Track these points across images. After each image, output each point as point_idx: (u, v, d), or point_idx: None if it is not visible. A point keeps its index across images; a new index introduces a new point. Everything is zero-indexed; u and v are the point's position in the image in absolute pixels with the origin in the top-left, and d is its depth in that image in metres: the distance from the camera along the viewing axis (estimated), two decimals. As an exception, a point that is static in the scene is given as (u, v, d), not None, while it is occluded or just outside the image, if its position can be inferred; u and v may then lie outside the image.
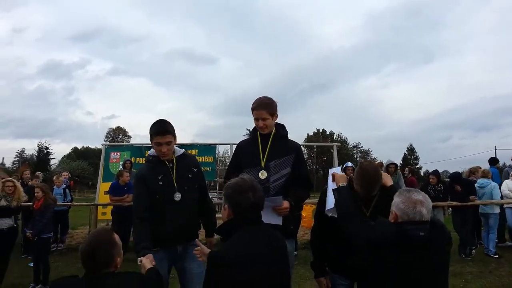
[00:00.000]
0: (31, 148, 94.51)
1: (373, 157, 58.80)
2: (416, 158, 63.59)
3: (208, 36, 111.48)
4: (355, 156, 58.57)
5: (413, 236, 1.96)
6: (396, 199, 2.07)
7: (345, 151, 58.03)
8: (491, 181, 7.36)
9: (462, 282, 5.90)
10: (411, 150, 64.44)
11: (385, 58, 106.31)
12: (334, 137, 60.96)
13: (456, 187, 7.22)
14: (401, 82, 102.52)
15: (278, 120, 2.99)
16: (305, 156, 52.05)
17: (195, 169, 2.95)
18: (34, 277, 5.81)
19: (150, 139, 2.79)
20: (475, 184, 7.44)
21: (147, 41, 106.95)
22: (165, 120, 2.81)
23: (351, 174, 2.71)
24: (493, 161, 8.83)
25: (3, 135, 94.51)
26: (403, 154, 63.12)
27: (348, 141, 63.43)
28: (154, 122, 2.79)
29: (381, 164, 9.07)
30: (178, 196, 2.75)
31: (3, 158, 62.07)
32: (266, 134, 2.92)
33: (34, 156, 57.60)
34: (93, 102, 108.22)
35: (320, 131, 61.70)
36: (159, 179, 2.76)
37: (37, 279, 5.80)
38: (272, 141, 2.91)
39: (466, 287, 5.67)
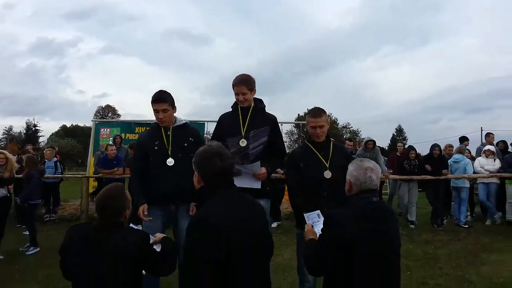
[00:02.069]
0: (19, 125, 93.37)
1: (362, 137, 59.50)
2: (405, 138, 64.33)
3: (204, 16, 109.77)
4: (344, 136, 59.03)
5: (367, 203, 2.08)
6: (350, 168, 2.22)
7: (335, 131, 58.46)
8: (465, 157, 7.80)
9: (432, 248, 6.37)
10: (399, 131, 65.22)
11: (382, 40, 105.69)
12: (324, 117, 61.35)
13: (426, 166, 7.70)
14: (397, 64, 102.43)
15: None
16: (296, 136, 52.71)
17: (192, 139, 3.22)
18: (30, 239, 6.38)
19: (152, 107, 3.12)
20: (450, 160, 7.87)
21: (142, 20, 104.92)
22: (164, 90, 3.14)
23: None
24: (463, 139, 9.28)
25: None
26: (392, 135, 63.97)
27: (338, 122, 63.88)
28: (155, 92, 3.12)
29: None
30: (170, 161, 3.07)
31: (-10, 135, 61.60)
32: (246, 107, 3.21)
33: (22, 134, 57.08)
34: (84, 81, 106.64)
35: (310, 111, 62.06)
36: (155, 144, 3.09)
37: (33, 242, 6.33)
38: (251, 113, 3.21)
39: (435, 253, 6.12)
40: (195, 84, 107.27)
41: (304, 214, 2.83)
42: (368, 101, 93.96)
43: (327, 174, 3.00)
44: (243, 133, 3.17)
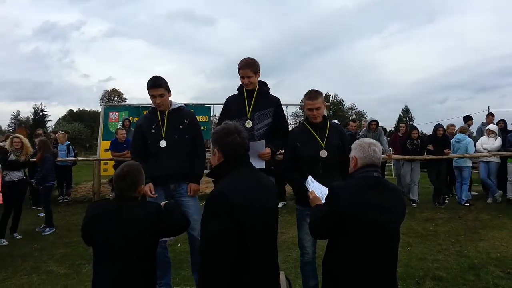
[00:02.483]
0: (27, 111, 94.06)
1: (367, 118, 59.35)
2: (411, 119, 64.04)
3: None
4: (350, 117, 58.88)
5: (369, 176, 2.22)
6: (353, 147, 2.35)
7: (341, 113, 58.32)
8: (467, 137, 7.92)
9: (433, 225, 6.57)
10: (406, 111, 64.79)
11: (388, 17, 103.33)
12: (330, 98, 61.08)
13: (428, 146, 7.83)
14: (404, 43, 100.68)
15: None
16: (302, 118, 52.66)
17: (187, 122, 3.40)
18: (45, 220, 6.71)
19: (148, 93, 3.27)
20: (452, 139, 8.00)
21: (146, 1, 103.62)
22: (159, 76, 3.28)
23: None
24: (467, 118, 9.35)
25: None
26: (398, 116, 63.63)
27: (344, 103, 63.64)
28: (149, 78, 3.27)
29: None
30: (163, 143, 3.26)
31: (-2, 121, 62.25)
32: (251, 89, 3.37)
33: (30, 119, 57.51)
34: (90, 65, 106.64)
35: (316, 92, 61.66)
36: (152, 127, 3.29)
37: (48, 222, 6.66)
38: (256, 96, 3.37)
39: (436, 230, 6.32)
40: (200, 67, 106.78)
41: (306, 184, 2.97)
42: (374, 81, 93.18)
43: (323, 153, 3.15)
44: (248, 115, 3.33)
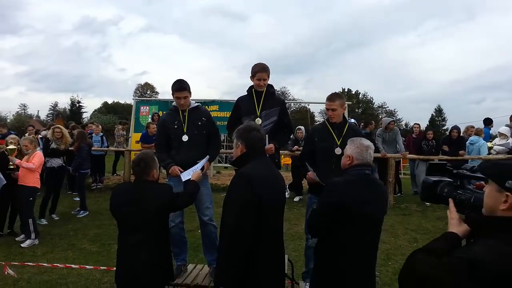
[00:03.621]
0: (64, 102, 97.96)
1: (398, 117, 58.31)
2: (444, 119, 62.41)
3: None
4: (380, 116, 57.97)
5: (362, 173, 2.49)
6: (351, 146, 2.57)
7: (370, 111, 57.53)
8: (481, 139, 8.02)
9: (443, 224, 6.76)
10: (439, 111, 63.03)
11: (425, 15, 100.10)
12: (360, 96, 60.44)
13: (444, 147, 8.00)
14: (440, 41, 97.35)
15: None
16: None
17: (204, 119, 3.84)
18: (80, 204, 7.37)
19: (172, 95, 3.72)
20: (467, 141, 8.12)
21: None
22: (183, 80, 3.72)
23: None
24: (487, 121, 9.41)
25: (41, 89, 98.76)
26: (431, 115, 62.13)
27: (374, 101, 62.74)
28: (174, 81, 3.70)
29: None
30: (185, 137, 3.69)
31: (38, 111, 65.25)
32: (260, 91, 3.79)
33: (67, 110, 59.77)
34: (126, 59, 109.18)
35: (346, 90, 61.21)
36: (175, 123, 3.72)
37: (83, 206, 7.33)
38: (265, 96, 3.79)
39: (446, 228, 6.34)
40: (232, 63, 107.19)
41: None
42: (408, 79, 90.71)
43: (338, 150, 3.49)
44: (258, 113, 3.76)
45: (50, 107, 64.35)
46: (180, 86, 3.66)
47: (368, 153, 2.53)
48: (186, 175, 3.42)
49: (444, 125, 59.53)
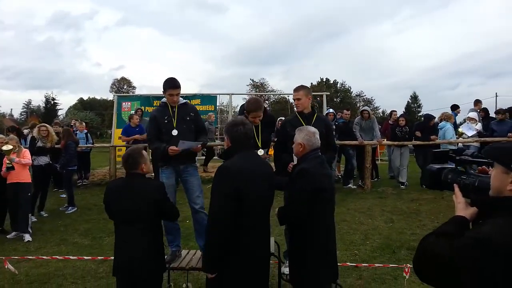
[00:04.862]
0: (39, 99, 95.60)
1: (375, 106, 59.43)
2: (419, 106, 63.85)
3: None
4: (358, 104, 58.91)
5: (319, 157, 2.85)
6: (300, 134, 2.87)
7: (348, 100, 58.33)
8: (448, 124, 8.53)
9: (416, 205, 7.24)
10: (414, 98, 64.34)
11: (401, 3, 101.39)
12: (338, 86, 61.13)
13: (416, 132, 8.48)
14: (416, 28, 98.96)
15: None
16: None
17: (193, 114, 4.10)
18: (68, 201, 7.54)
19: (164, 92, 3.93)
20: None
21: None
22: (175, 78, 3.96)
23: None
24: (454, 107, 10.02)
25: (13, 86, 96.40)
26: (406, 102, 63.47)
27: (351, 90, 63.59)
28: (168, 79, 3.93)
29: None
30: (175, 132, 3.92)
31: (11, 109, 63.55)
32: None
33: (42, 107, 58.43)
34: (102, 53, 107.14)
35: (324, 80, 61.81)
36: (165, 118, 3.95)
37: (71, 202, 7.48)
38: (262, 128, 4.16)
39: (419, 208, 6.98)
40: (210, 54, 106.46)
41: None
42: (385, 68, 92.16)
43: None
44: (259, 145, 4.09)
45: (24, 105, 62.73)
46: (175, 84, 3.90)
47: (315, 138, 2.86)
48: (182, 145, 3.73)
49: (420, 112, 61.02)
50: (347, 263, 4.37)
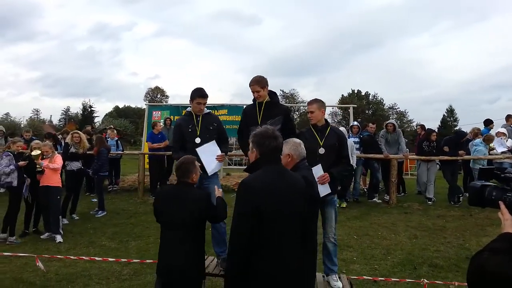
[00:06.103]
0: (76, 106, 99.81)
1: (409, 119, 58.13)
2: (456, 119, 61.91)
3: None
4: (391, 117, 57.75)
5: (306, 166, 3.06)
6: (287, 145, 2.99)
7: (381, 112, 57.32)
8: (482, 144, 8.30)
9: (442, 222, 7.06)
10: (450, 111, 62.53)
11: (438, 15, 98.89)
12: (370, 97, 60.23)
13: (444, 147, 8.30)
14: (453, 41, 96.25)
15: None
16: (340, 117, 53.06)
17: (215, 124, 4.25)
18: (98, 205, 7.81)
19: (191, 100, 4.09)
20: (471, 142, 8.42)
21: (192, 2, 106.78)
22: (203, 88, 4.12)
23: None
24: (487, 122, 9.67)
25: (53, 94, 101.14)
26: (442, 116, 61.67)
27: (384, 102, 62.44)
28: (197, 88, 4.10)
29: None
30: (198, 140, 4.08)
31: (50, 116, 66.63)
32: (261, 102, 4.08)
33: (79, 114, 60.63)
34: (139, 63, 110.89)
35: (355, 91, 61.13)
36: (189, 127, 4.12)
37: (101, 206, 7.78)
38: (265, 107, 4.08)
39: (445, 225, 6.81)
40: (242, 65, 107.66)
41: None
42: (419, 80, 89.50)
43: (321, 150, 3.88)
44: (259, 123, 4.02)
45: (62, 111, 65.56)
46: (203, 94, 4.09)
47: (301, 147, 3.05)
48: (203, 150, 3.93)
49: (456, 126, 59.14)
50: (364, 277, 4.35)
